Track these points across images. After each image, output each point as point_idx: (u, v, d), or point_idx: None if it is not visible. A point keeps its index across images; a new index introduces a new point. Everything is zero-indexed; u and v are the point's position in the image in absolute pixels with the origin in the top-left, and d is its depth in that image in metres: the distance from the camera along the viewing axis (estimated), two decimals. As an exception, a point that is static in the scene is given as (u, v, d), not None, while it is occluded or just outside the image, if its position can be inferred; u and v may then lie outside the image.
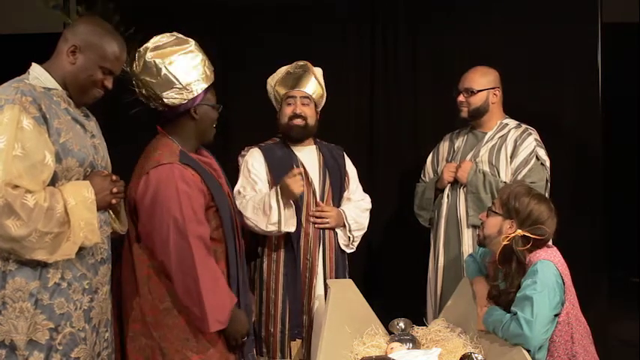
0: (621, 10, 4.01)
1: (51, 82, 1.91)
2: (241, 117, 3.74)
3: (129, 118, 2.39)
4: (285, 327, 2.86)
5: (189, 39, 2.32)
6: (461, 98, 3.09)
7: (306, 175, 2.93)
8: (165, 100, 2.25)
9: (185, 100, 2.26)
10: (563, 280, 2.24)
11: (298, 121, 2.92)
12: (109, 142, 2.18)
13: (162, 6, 3.84)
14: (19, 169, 1.73)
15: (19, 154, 1.73)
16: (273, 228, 2.74)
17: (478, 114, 3.09)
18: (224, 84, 3.83)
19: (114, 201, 2.01)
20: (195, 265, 2.13)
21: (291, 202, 2.75)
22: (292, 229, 2.78)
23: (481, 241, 2.45)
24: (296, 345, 2.88)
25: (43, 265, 1.82)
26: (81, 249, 1.88)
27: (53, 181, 1.84)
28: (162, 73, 2.22)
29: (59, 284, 1.85)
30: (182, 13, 3.86)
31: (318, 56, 3.44)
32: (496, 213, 2.35)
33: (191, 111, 2.30)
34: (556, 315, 2.21)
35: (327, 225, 2.92)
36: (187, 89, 2.25)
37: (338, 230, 2.98)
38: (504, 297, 2.29)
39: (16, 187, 1.72)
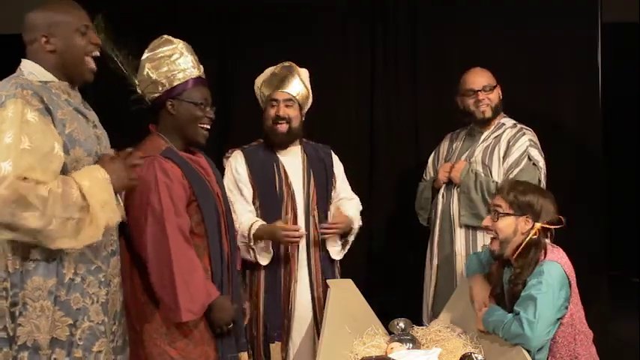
0: (621, 10, 4.01)
1: (46, 76, 1.89)
2: (241, 117, 3.75)
3: (131, 119, 2.41)
4: (267, 330, 2.84)
5: (177, 40, 2.36)
6: (481, 96, 3.04)
7: (286, 179, 2.91)
8: (146, 96, 2.35)
9: (158, 93, 2.32)
10: (569, 281, 2.24)
11: (282, 126, 2.88)
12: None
13: (162, 6, 3.85)
14: (29, 162, 1.71)
15: (27, 147, 1.72)
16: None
17: (498, 111, 3.08)
18: (224, 84, 3.86)
19: (132, 178, 1.97)
20: (171, 253, 2.14)
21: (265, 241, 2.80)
22: (265, 262, 2.82)
23: (498, 253, 2.35)
24: (275, 347, 2.86)
25: (58, 262, 1.81)
26: (93, 243, 1.86)
27: (63, 173, 1.82)
28: (144, 72, 2.33)
29: (73, 279, 1.84)
30: (182, 14, 3.87)
31: (318, 56, 3.45)
32: (507, 214, 2.31)
33: (167, 105, 2.32)
34: (559, 317, 2.21)
35: (334, 232, 2.90)
36: (160, 83, 2.31)
37: (329, 241, 2.95)
38: (512, 289, 2.28)
39: (26, 179, 1.70)
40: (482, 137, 3.10)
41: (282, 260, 2.86)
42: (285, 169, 2.92)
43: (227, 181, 2.88)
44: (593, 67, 3.70)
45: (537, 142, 3.05)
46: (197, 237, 2.29)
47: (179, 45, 2.35)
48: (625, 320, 4.11)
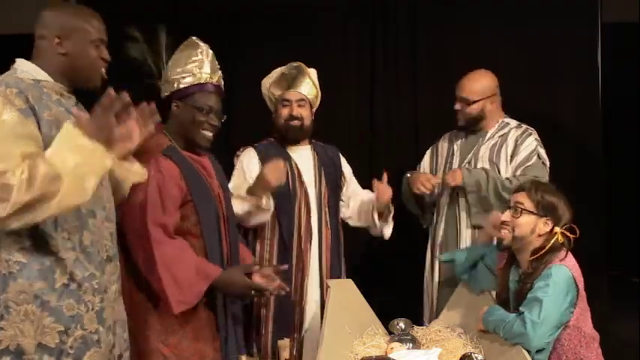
0: (621, 10, 4.01)
1: (41, 74, 1.86)
2: (241, 117, 3.75)
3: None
4: (277, 326, 2.85)
5: (202, 44, 2.39)
6: (457, 107, 3.09)
7: (299, 176, 2.94)
8: (160, 94, 2.38)
9: (168, 92, 2.36)
10: (577, 285, 2.23)
11: (295, 123, 2.93)
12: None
13: (162, 6, 3.85)
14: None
15: None
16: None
17: (474, 122, 3.10)
18: (224, 84, 3.85)
19: (121, 145, 1.79)
20: (152, 247, 2.14)
21: (262, 196, 2.75)
22: (264, 217, 2.79)
23: (506, 244, 2.36)
24: (284, 344, 2.87)
25: (48, 266, 1.76)
26: (87, 248, 1.82)
27: None
28: (165, 71, 2.38)
29: (68, 285, 1.78)
30: (182, 14, 3.87)
31: (318, 56, 3.45)
32: (530, 212, 2.31)
33: (172, 105, 2.34)
34: (564, 321, 2.21)
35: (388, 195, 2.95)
36: (170, 82, 2.35)
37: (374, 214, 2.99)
38: (521, 288, 2.28)
39: None
40: (488, 136, 3.10)
41: (295, 256, 2.87)
42: (297, 166, 2.94)
43: (236, 177, 2.91)
44: (593, 67, 3.70)
45: (541, 142, 3.06)
46: (193, 237, 2.28)
47: (201, 49, 2.37)
48: (625, 320, 4.10)
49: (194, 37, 2.40)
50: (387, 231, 3.08)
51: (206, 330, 2.29)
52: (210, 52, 2.40)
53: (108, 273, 1.92)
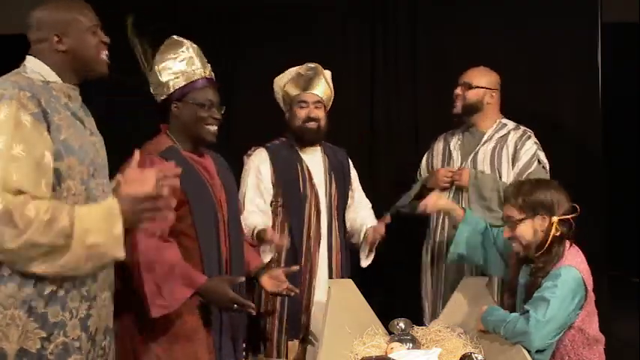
0: (621, 10, 4.01)
1: (50, 75, 1.84)
2: (241, 117, 3.75)
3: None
4: (283, 326, 2.86)
5: (185, 40, 2.39)
6: (458, 91, 3.09)
7: (310, 179, 2.94)
8: (155, 98, 2.37)
9: (165, 95, 2.35)
10: (585, 287, 2.23)
11: (312, 125, 2.94)
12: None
13: (162, 6, 3.85)
14: (21, 172, 1.64)
15: (18, 153, 1.64)
16: None
17: (471, 110, 3.08)
18: (224, 84, 3.85)
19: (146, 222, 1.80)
20: (133, 248, 2.09)
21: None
22: (266, 259, 2.79)
23: (522, 254, 2.36)
24: (294, 345, 2.87)
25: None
26: None
27: (59, 181, 1.74)
28: (154, 74, 2.36)
29: (56, 292, 1.74)
30: (182, 14, 3.87)
31: (318, 56, 3.45)
32: (521, 220, 2.30)
33: (172, 107, 2.34)
34: (569, 323, 2.21)
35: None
36: (166, 85, 2.34)
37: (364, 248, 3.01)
38: (532, 282, 2.27)
39: (19, 192, 1.62)
40: (486, 137, 3.09)
41: (304, 258, 2.87)
42: (308, 169, 2.95)
43: (248, 179, 2.91)
44: (593, 67, 3.70)
45: (539, 144, 3.06)
46: (189, 239, 2.26)
47: (186, 46, 2.37)
48: (625, 320, 4.10)
49: (174, 36, 2.39)
50: (365, 263, 3.07)
51: (200, 335, 2.27)
52: (195, 46, 2.39)
53: (100, 280, 1.89)
